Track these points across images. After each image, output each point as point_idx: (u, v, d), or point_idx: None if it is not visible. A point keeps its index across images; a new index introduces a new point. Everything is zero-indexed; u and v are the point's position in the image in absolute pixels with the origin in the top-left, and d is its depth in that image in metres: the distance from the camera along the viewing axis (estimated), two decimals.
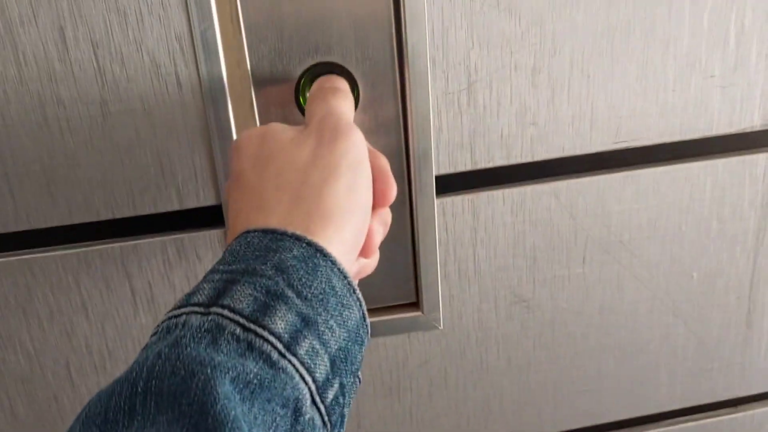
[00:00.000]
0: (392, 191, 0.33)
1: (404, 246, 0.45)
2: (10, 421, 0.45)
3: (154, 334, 0.26)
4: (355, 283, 0.30)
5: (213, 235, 0.42)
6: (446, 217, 0.45)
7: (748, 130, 0.46)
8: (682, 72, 0.44)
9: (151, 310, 0.44)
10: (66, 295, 0.42)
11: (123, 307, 0.43)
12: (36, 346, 0.44)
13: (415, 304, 0.48)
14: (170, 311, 0.27)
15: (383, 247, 0.45)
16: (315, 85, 0.38)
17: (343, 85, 0.38)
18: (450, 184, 0.45)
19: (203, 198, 0.41)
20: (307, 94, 0.40)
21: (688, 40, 0.43)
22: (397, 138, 0.42)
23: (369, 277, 0.45)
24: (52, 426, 0.46)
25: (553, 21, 0.41)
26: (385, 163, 0.34)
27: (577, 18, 0.41)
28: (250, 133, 0.33)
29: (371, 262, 0.35)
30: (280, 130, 0.33)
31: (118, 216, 0.41)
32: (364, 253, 0.32)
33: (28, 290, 0.42)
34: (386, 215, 0.34)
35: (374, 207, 0.33)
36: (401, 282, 0.47)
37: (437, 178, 0.44)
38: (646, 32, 0.42)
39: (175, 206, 0.41)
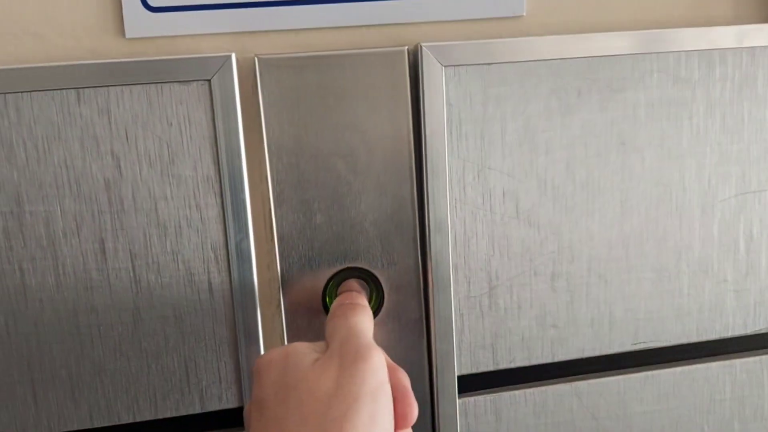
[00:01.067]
0: (413, 413, 0.33)
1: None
2: None
3: None
4: None
5: None
6: (468, 418, 0.45)
7: (764, 331, 0.47)
8: (696, 277, 0.45)
9: None
10: None
11: None
12: None
13: None
14: None
15: None
16: (335, 303, 0.38)
17: (362, 300, 0.39)
18: (472, 384, 0.45)
19: (225, 401, 0.41)
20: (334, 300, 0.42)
21: (700, 248, 0.45)
22: (419, 339, 0.43)
23: None
24: None
25: (570, 231, 0.43)
26: (405, 380, 0.34)
27: (593, 228, 0.43)
28: (272, 357, 0.33)
29: None
30: (302, 352, 0.33)
31: (138, 420, 0.40)
32: None
33: None
34: None
35: (396, 429, 0.33)
36: None
37: (459, 378, 0.44)
38: (658, 241, 0.44)
39: (197, 409, 0.41)
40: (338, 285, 0.42)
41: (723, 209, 0.44)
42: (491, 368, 0.44)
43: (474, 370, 0.44)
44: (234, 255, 0.39)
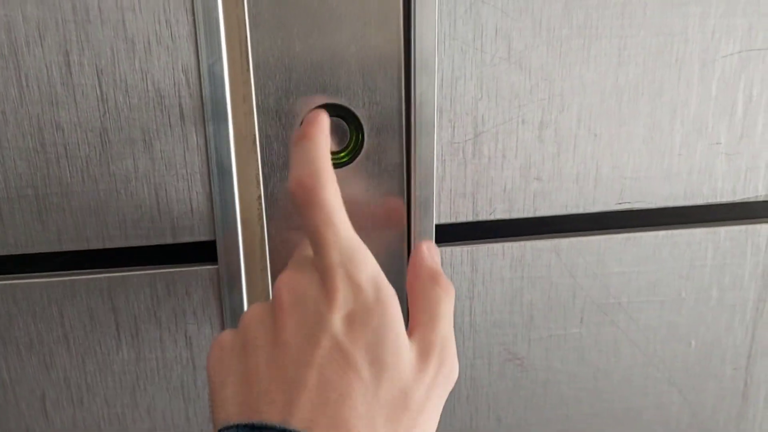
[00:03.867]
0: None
1: (400, 295, 0.44)
2: None
3: None
4: None
5: (204, 271, 0.41)
6: (444, 268, 0.44)
7: (752, 200, 0.46)
8: (689, 137, 0.43)
9: (134, 346, 0.42)
10: (48, 324, 0.41)
11: (106, 341, 0.42)
12: (12, 376, 0.42)
13: None
14: None
15: None
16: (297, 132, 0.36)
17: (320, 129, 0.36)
18: (450, 234, 0.44)
19: (198, 233, 0.40)
20: None
21: (696, 106, 0.43)
22: (399, 185, 0.42)
23: None
24: None
25: (562, 78, 0.41)
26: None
27: (587, 76, 0.41)
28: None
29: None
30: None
31: (108, 246, 0.40)
32: None
33: (9, 317, 0.40)
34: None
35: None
36: None
37: (437, 227, 0.43)
38: (654, 95, 0.42)
39: (168, 240, 0.40)
40: None
41: (724, 66, 0.42)
42: (470, 219, 0.43)
43: (453, 220, 0.43)
44: (206, 79, 0.37)
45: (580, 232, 0.45)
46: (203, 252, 0.41)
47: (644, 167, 0.44)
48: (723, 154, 0.44)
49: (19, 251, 0.39)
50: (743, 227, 0.47)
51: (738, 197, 0.46)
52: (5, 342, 0.41)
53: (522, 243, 0.45)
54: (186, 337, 0.42)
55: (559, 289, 0.46)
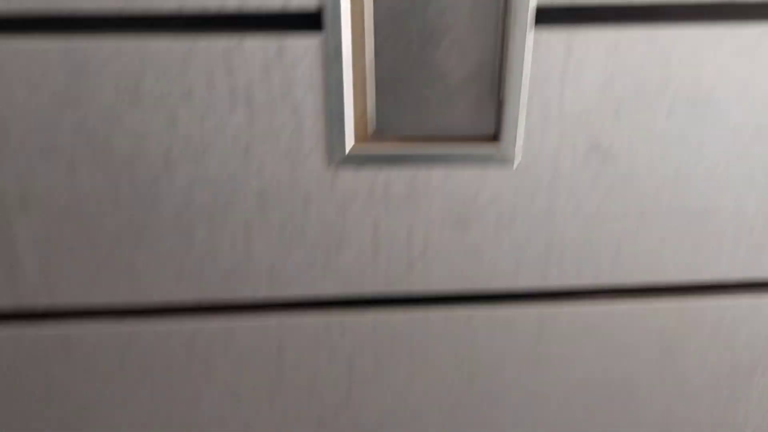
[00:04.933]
0: None
1: (491, 75, 0.46)
2: (113, 199, 0.49)
3: None
4: None
5: (311, 41, 0.44)
6: (538, 52, 0.45)
7: None
8: None
9: (247, 111, 0.46)
10: (170, 85, 0.45)
11: (221, 103, 0.46)
12: (138, 130, 0.47)
13: (493, 137, 0.49)
14: None
15: (469, 71, 0.46)
16: None
17: None
18: (548, 17, 0.45)
19: (306, 2, 0.42)
20: None
21: None
22: None
23: (449, 104, 0.47)
24: (149, 208, 0.50)
25: None
26: None
27: None
28: None
29: None
30: None
31: (223, 13, 0.43)
32: None
33: (135, 76, 0.45)
34: None
35: None
36: (482, 112, 0.48)
37: (538, 9, 0.44)
38: None
39: (278, 5, 0.43)
40: None
41: None
42: (568, 1, 0.44)
43: (551, 1, 0.44)
44: None
45: (678, 22, 0.45)
46: (311, 22, 0.44)
47: None
48: None
49: (144, 14, 0.42)
50: None
51: None
52: (132, 98, 0.46)
53: (618, 30, 0.45)
54: (293, 105, 0.46)
55: (651, 79, 0.47)
